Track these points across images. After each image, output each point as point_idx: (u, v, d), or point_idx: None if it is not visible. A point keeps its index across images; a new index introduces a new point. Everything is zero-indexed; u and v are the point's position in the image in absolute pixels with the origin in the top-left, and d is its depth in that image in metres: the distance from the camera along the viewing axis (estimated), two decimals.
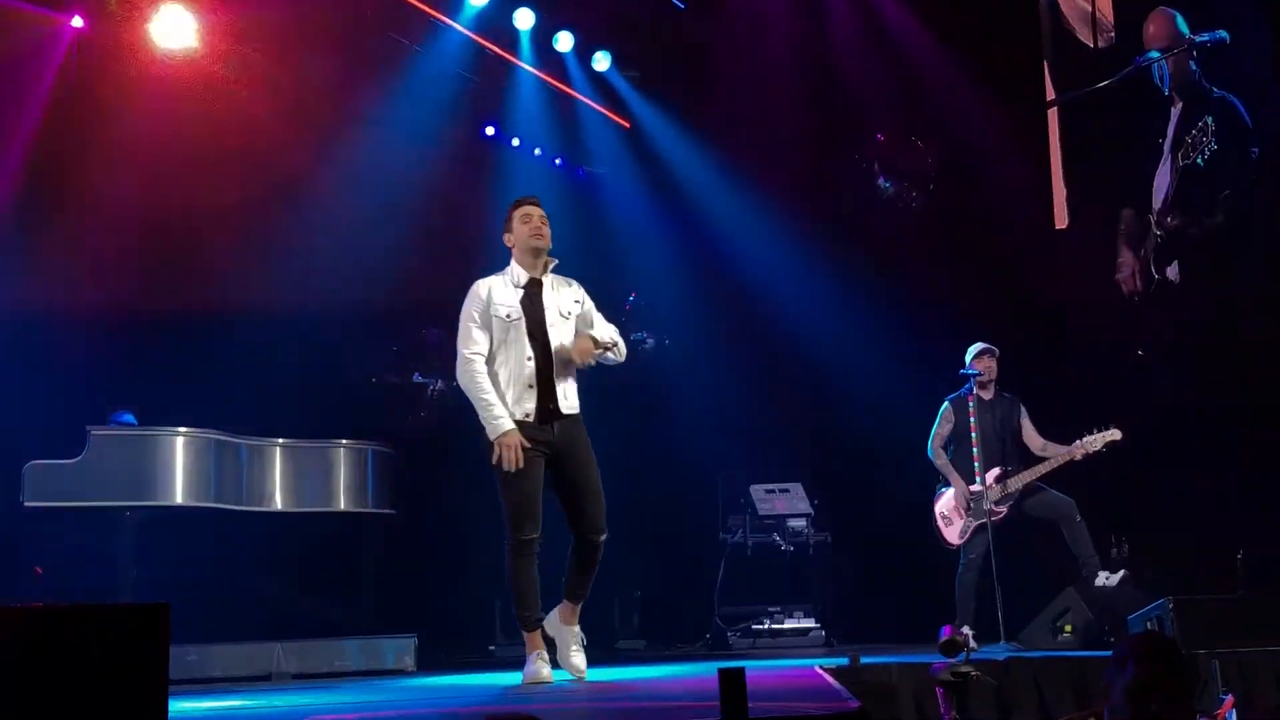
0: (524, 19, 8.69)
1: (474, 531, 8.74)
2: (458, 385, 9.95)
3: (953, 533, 7.51)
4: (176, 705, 3.43)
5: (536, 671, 5.53)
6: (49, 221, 8.34)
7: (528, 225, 5.83)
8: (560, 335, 5.77)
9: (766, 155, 9.04)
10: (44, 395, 8.00)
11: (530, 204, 5.95)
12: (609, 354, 5.79)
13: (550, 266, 5.85)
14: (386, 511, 8.08)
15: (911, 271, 9.10)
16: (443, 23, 8.50)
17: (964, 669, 4.45)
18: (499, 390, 5.67)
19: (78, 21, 8.30)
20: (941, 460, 7.57)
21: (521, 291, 5.82)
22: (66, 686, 3.18)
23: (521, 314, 5.74)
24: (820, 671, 4.85)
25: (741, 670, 3.04)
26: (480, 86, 8.94)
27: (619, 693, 4.99)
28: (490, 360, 5.71)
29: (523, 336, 5.72)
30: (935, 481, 7.66)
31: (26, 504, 7.26)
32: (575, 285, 5.94)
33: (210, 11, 8.00)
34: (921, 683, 5.47)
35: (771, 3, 8.92)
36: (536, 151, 9.34)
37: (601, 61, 9.06)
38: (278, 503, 7.69)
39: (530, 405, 5.67)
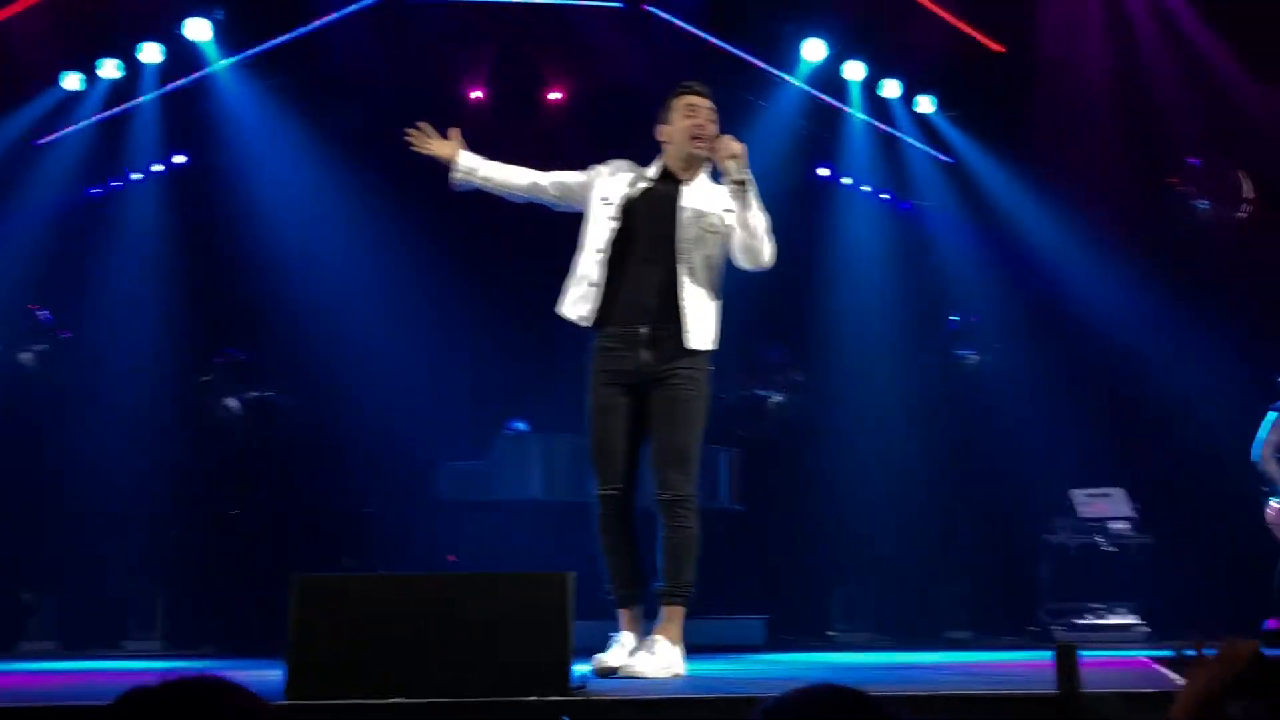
0: (854, 71, 8.81)
1: (810, 528, 8.82)
2: (796, 399, 9.90)
3: None
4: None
5: (599, 657, 4.22)
6: None
7: (692, 119, 4.19)
8: (701, 248, 4.14)
9: (1083, 183, 8.80)
10: (446, 405, 8.44)
11: (698, 94, 4.25)
12: (731, 167, 4.04)
13: (702, 174, 4.21)
14: (735, 508, 8.23)
15: (1230, 285, 8.60)
16: (782, 79, 8.66)
17: None
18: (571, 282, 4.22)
19: None
20: (1272, 467, 7.10)
21: (648, 185, 4.22)
22: (482, 639, 3.46)
23: (620, 209, 4.15)
24: (1148, 660, 4.66)
25: (1073, 647, 3.02)
26: (814, 132, 9.08)
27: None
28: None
29: (605, 225, 4.15)
30: (1257, 485, 7.17)
31: (443, 499, 7.80)
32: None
33: None
34: None
35: (1086, 43, 8.66)
36: (865, 189, 9.36)
37: (925, 104, 9.02)
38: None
39: (586, 308, 4.19)
